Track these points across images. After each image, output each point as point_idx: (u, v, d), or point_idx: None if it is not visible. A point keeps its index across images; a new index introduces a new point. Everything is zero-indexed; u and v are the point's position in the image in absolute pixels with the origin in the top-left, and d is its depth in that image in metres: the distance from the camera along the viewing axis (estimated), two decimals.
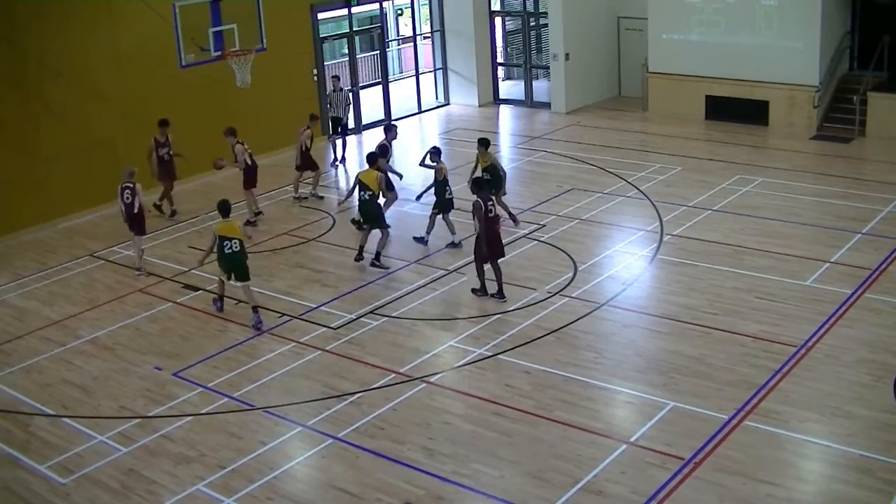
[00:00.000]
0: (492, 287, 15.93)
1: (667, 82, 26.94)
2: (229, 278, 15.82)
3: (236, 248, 15.51)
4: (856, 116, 24.14)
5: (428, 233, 18.36)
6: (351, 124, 26.20)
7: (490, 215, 15.71)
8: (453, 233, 18.25)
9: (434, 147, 19.00)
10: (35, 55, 20.41)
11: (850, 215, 18.66)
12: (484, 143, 19.02)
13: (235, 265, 15.61)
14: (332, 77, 25.58)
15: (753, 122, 25.43)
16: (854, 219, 18.45)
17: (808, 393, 12.68)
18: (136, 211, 17.89)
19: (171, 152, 20.76)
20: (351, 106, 25.64)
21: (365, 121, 27.73)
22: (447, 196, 18.35)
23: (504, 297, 15.79)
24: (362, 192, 17.41)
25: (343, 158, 24.80)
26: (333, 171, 24.52)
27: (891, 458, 11.15)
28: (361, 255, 17.61)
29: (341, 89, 25.07)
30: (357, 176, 17.76)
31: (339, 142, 24.89)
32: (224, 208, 15.82)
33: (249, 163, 20.02)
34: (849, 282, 15.76)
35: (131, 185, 17.83)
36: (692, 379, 13.13)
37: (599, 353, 14.07)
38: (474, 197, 15.83)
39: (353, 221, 18.67)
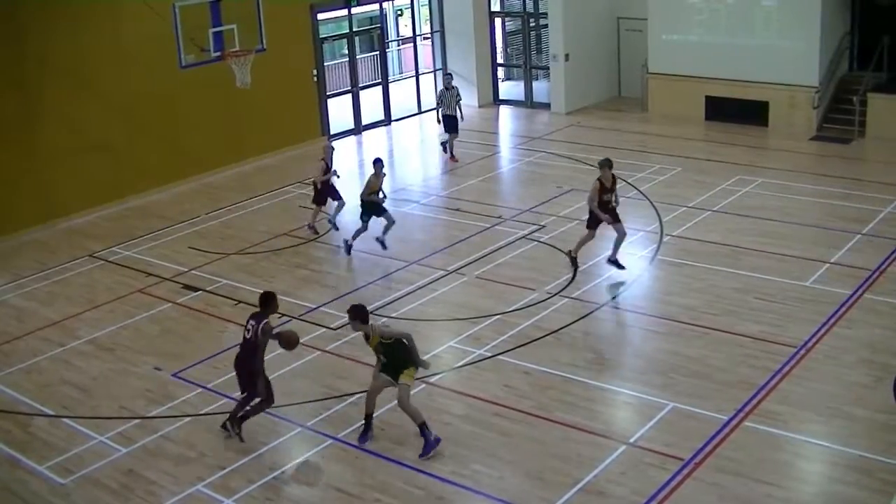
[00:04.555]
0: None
1: (666, 83, 26.93)
2: None
3: None
4: (855, 117, 24.14)
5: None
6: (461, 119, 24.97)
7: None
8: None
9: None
10: (35, 55, 20.39)
11: (849, 216, 18.66)
12: None
13: None
14: (445, 75, 25.36)
15: (753, 123, 25.42)
16: (854, 219, 18.45)
17: (808, 394, 12.68)
18: (316, 184, 19.36)
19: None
20: (461, 101, 24.50)
21: (365, 121, 27.74)
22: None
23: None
24: None
25: (453, 155, 24.18)
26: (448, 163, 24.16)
27: (890, 458, 11.15)
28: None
29: (454, 87, 24.41)
30: None
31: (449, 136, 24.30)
32: None
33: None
34: (848, 282, 15.76)
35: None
36: (692, 379, 13.14)
37: (599, 354, 14.08)
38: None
39: None
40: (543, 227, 18.94)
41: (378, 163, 18.17)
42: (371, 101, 28.23)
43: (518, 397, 12.91)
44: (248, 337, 11.95)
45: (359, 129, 27.51)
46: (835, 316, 14.67)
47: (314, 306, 16.12)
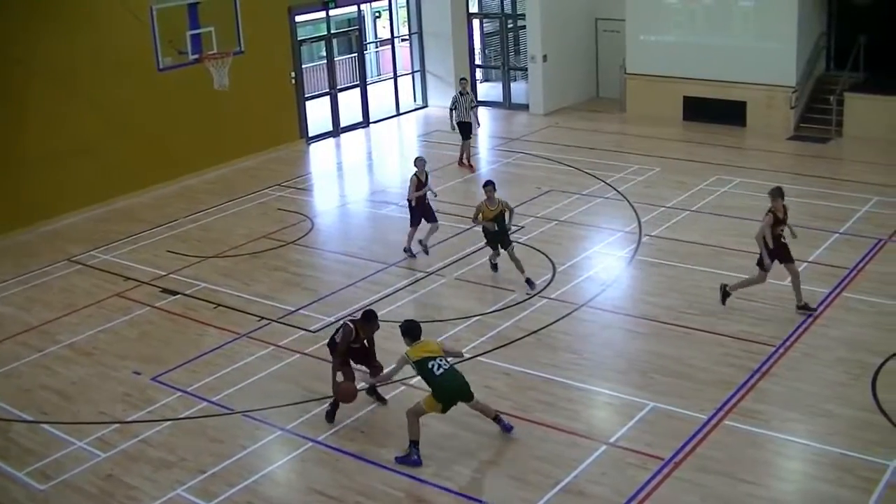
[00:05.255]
0: None
1: (644, 83, 27.01)
2: None
3: None
4: (832, 117, 24.29)
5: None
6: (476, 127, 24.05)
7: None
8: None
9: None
10: (16, 58, 20.25)
11: (827, 215, 18.75)
12: None
13: None
14: (461, 79, 24.37)
15: (731, 123, 25.52)
16: (831, 218, 18.54)
17: (788, 392, 12.73)
18: (410, 202, 17.90)
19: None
20: (476, 107, 23.67)
21: (343, 123, 27.69)
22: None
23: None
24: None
25: (467, 162, 23.50)
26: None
27: (870, 456, 11.20)
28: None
29: (468, 92, 23.63)
30: None
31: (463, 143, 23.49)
32: None
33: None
34: (827, 281, 15.84)
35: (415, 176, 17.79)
36: (672, 379, 13.16)
37: (579, 354, 14.08)
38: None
39: None
40: (522, 227, 18.93)
41: (489, 185, 16.29)
42: (349, 103, 28.19)
43: (498, 398, 12.90)
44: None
45: (337, 131, 27.48)
46: (813, 315, 14.74)
47: (293, 309, 16.08)
